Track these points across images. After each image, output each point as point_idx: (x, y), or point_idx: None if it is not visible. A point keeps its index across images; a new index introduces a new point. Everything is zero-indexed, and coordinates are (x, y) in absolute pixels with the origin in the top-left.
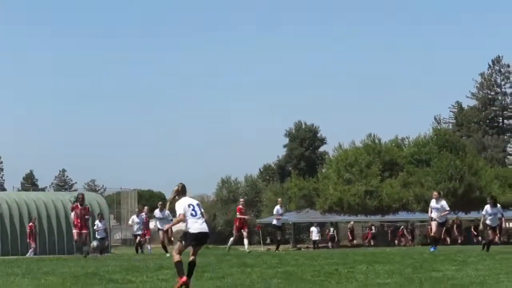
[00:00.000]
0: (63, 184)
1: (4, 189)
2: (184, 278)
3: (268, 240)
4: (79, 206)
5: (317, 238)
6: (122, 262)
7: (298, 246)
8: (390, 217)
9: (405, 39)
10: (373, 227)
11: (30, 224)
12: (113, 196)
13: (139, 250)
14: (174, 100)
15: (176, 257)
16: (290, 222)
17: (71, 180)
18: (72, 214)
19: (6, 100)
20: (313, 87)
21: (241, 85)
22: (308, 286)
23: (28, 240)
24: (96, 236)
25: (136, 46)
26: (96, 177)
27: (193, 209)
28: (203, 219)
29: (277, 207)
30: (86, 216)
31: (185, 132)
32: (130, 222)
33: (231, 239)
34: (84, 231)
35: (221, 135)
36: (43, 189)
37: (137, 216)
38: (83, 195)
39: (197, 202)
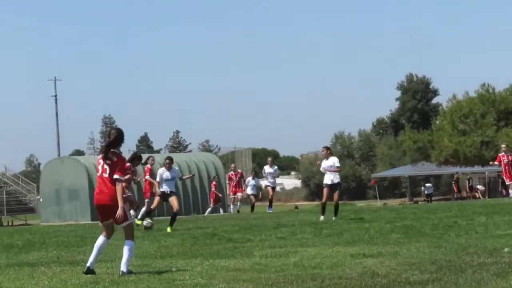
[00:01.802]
0: (177, 145)
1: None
2: None
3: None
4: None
5: (430, 191)
6: (240, 221)
7: (415, 199)
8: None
9: None
10: (469, 180)
11: (214, 182)
12: (227, 156)
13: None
14: (284, 57)
15: None
16: (406, 176)
17: (185, 141)
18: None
19: (120, 62)
20: (423, 38)
21: (353, 38)
22: (428, 239)
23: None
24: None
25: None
26: (210, 137)
27: None
28: None
29: None
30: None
31: (299, 89)
32: (246, 183)
33: None
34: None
35: (333, 90)
36: (158, 151)
37: (252, 178)
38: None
39: None
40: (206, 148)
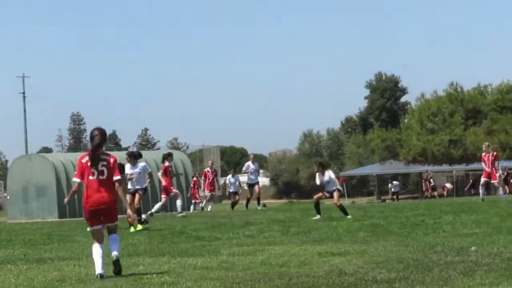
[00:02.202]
0: (146, 143)
1: (87, 150)
2: None
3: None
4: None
5: (397, 190)
6: (208, 219)
7: (383, 197)
8: (475, 165)
9: None
10: (431, 180)
11: (194, 178)
12: (195, 154)
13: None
14: (253, 55)
15: None
16: (374, 174)
17: (154, 139)
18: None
19: (88, 60)
20: (392, 36)
21: (321, 37)
22: (395, 238)
23: (191, 195)
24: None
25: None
26: (178, 135)
27: None
28: None
29: None
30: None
31: (266, 87)
32: (227, 181)
33: None
34: None
35: (301, 89)
36: (126, 149)
37: (232, 176)
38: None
39: None
40: (175, 146)
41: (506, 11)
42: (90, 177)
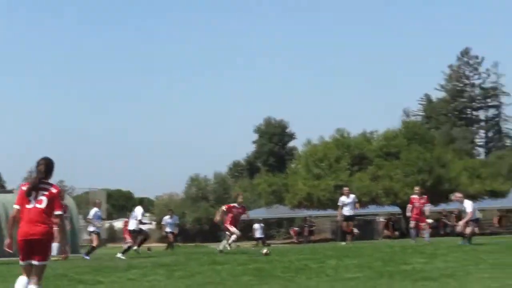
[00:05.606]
0: None
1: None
2: None
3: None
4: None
5: (261, 236)
6: (92, 262)
7: (268, 242)
8: (359, 211)
9: (373, 30)
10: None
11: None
12: (82, 196)
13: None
14: (142, 97)
15: None
16: (260, 218)
17: None
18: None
19: None
20: (281, 82)
21: (211, 80)
22: (279, 282)
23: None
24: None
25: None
26: (64, 178)
27: None
28: None
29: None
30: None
31: (154, 129)
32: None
33: None
34: None
35: (189, 132)
36: (11, 191)
37: (170, 217)
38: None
39: None
40: (61, 188)
41: (391, 59)
42: (27, 206)
